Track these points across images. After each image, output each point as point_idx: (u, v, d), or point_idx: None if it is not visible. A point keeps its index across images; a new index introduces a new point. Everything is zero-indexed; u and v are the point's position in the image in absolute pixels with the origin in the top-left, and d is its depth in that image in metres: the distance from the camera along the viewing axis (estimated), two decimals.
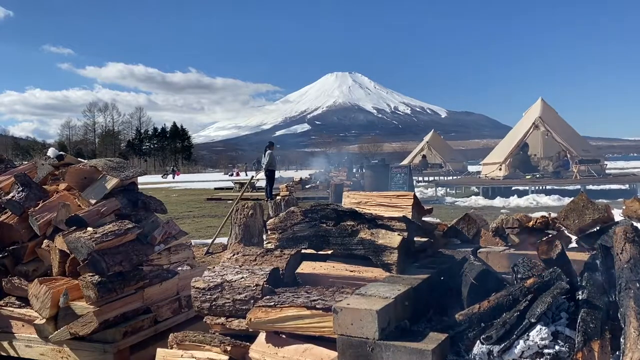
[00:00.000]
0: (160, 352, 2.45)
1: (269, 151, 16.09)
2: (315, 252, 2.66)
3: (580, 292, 1.98)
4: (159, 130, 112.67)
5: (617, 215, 2.62)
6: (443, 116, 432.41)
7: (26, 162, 4.14)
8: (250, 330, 2.28)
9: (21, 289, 3.05)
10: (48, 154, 3.68)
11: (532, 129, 18.11)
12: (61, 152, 3.68)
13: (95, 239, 2.79)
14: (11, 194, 3.26)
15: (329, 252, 2.64)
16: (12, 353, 3.05)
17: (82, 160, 3.70)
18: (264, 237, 6.24)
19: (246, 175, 38.65)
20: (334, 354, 1.96)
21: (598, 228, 2.51)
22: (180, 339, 2.42)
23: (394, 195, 2.94)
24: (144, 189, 4.63)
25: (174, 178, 52.41)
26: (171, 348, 2.45)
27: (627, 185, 16.52)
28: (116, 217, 3.18)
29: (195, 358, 2.33)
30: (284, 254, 2.61)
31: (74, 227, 2.97)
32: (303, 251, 2.68)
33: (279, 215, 2.78)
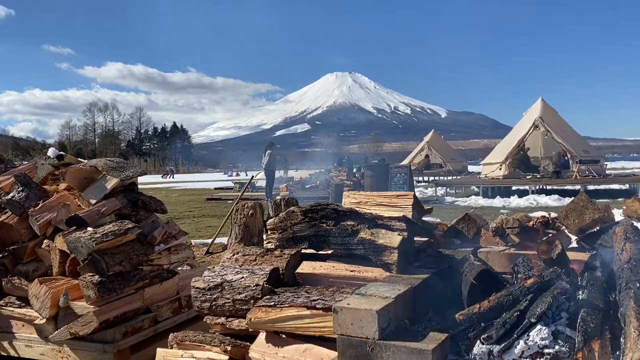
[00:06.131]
0: (160, 352, 2.45)
1: (269, 151, 16.11)
2: (315, 252, 2.66)
3: (580, 292, 1.98)
4: (159, 130, 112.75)
5: (617, 215, 2.62)
6: (443, 116, 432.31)
7: (26, 162, 4.14)
8: (250, 330, 2.28)
9: (21, 289, 3.05)
10: (48, 154, 3.68)
11: (532, 129, 18.12)
12: (61, 152, 3.67)
13: (95, 239, 2.79)
14: (11, 194, 3.25)
15: (329, 252, 2.64)
16: (12, 353, 3.05)
17: (82, 160, 3.69)
18: (264, 237, 6.23)
19: (246, 175, 38.66)
20: (334, 354, 1.96)
21: (598, 228, 2.51)
22: (180, 339, 2.42)
23: (394, 195, 2.95)
24: (144, 189, 4.63)
25: (165, 178, 52.41)
26: (171, 348, 2.45)
27: (627, 185, 16.52)
28: (116, 217, 3.18)
29: (195, 358, 2.33)
30: (284, 253, 2.61)
31: (74, 227, 2.97)
32: (303, 251, 2.68)
33: (279, 215, 2.78)
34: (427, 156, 30.27)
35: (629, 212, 2.56)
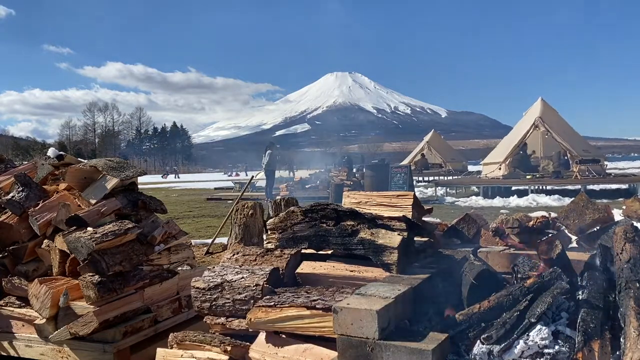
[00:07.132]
0: (160, 352, 2.45)
1: (269, 151, 16.12)
2: (315, 252, 2.66)
3: (580, 292, 1.98)
4: (159, 130, 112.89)
5: (617, 215, 2.62)
6: (443, 116, 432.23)
7: (26, 162, 4.14)
8: (250, 330, 2.28)
9: (21, 289, 3.05)
10: (48, 154, 3.68)
11: (532, 129, 18.13)
12: (61, 152, 3.68)
13: (95, 239, 2.79)
14: (11, 194, 3.25)
15: (329, 252, 2.64)
16: (12, 353, 3.05)
17: (82, 160, 3.69)
18: (264, 237, 6.23)
19: (246, 175, 38.66)
20: (334, 354, 1.96)
21: (598, 228, 2.51)
22: (180, 339, 2.42)
23: (394, 195, 2.94)
24: (144, 189, 4.63)
25: (166, 177, 52.31)
26: (171, 348, 2.45)
27: (627, 185, 16.52)
28: (116, 217, 3.18)
29: (196, 358, 2.33)
30: (284, 253, 2.61)
31: (74, 227, 2.97)
32: (303, 251, 2.68)
33: (279, 215, 2.78)
34: (422, 155, 30.21)
35: (629, 212, 2.56)
